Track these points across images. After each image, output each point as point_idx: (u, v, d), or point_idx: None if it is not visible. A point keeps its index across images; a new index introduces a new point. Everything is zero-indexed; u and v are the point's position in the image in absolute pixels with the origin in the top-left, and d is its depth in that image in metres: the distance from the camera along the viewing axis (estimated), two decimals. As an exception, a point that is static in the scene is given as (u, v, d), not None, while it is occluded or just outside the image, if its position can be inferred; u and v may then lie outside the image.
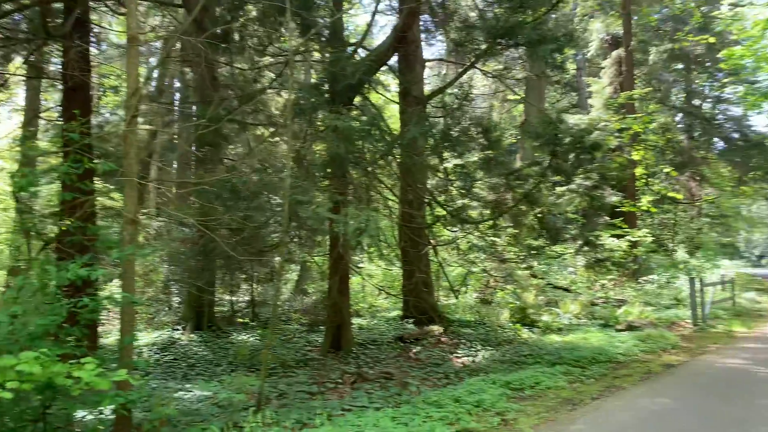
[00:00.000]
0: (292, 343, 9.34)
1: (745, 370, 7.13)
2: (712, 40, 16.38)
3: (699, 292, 11.03)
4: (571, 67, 22.70)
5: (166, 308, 11.84)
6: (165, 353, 8.80)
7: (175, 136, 11.79)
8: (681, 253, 22.11)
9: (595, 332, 9.42)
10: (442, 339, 9.24)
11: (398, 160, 8.81)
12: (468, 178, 9.44)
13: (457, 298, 12.20)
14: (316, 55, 10.23)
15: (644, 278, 15.37)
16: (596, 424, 4.98)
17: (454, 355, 8.37)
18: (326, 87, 7.85)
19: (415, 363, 7.83)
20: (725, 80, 22.10)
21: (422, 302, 10.21)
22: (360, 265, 13.26)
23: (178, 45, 8.97)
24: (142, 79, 5.33)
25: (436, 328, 9.57)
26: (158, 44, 13.27)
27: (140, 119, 7.96)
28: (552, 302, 12.69)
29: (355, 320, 10.73)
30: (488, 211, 10.16)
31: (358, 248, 9.56)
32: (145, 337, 9.58)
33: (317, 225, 6.75)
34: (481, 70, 12.47)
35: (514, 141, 20.39)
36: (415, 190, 9.37)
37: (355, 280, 12.16)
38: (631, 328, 9.72)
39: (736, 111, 26.80)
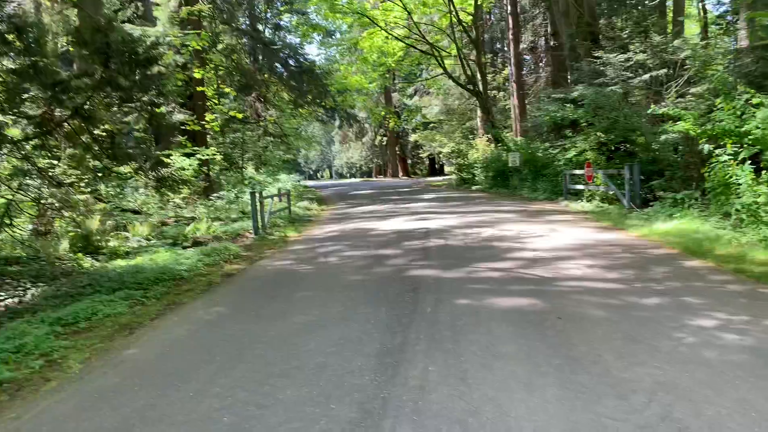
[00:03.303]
0: None
1: (292, 269, 8.22)
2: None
3: (260, 205, 12.14)
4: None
5: None
6: None
7: None
8: (250, 170, 23.92)
9: (163, 252, 9.37)
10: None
11: None
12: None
13: (-1, 233, 10.34)
14: None
15: (215, 195, 16.05)
16: (151, 344, 4.96)
17: (-6, 298, 7.11)
18: None
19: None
20: (282, 8, 24.19)
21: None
22: None
23: None
24: None
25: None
26: None
27: None
28: (120, 226, 12.09)
29: None
30: (34, 129, 8.74)
31: None
32: None
33: None
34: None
35: (71, 50, 17.98)
36: None
37: None
38: (197, 243, 10.03)
39: (293, 39, 29.76)
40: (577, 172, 15.73)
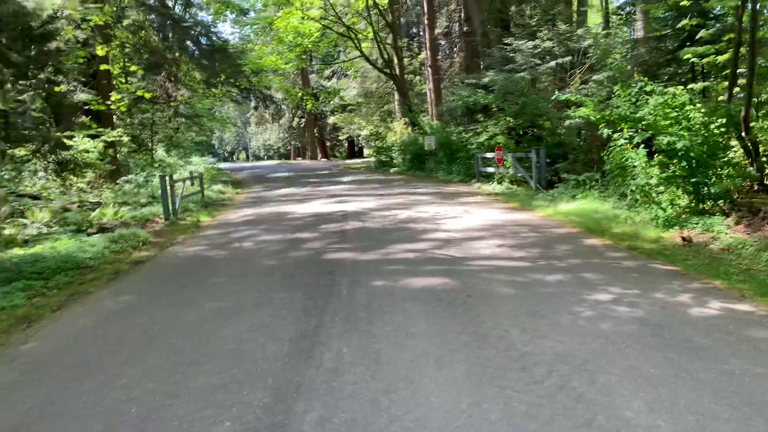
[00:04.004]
0: None
1: (205, 255, 8.01)
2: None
3: (171, 188, 11.70)
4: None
5: None
6: None
7: None
8: (160, 152, 22.94)
9: (66, 240, 8.85)
10: None
11: None
12: None
13: None
14: None
15: (123, 179, 15.28)
16: (52, 337, 4.70)
17: None
18: None
19: None
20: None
21: None
22: None
23: None
24: None
25: None
26: None
27: None
28: (17, 212, 11.28)
29: None
30: None
31: None
32: None
33: None
34: None
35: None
36: None
37: None
38: (103, 230, 9.55)
39: (205, 16, 28.64)
40: (489, 155, 16.26)
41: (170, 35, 23.71)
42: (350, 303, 5.13)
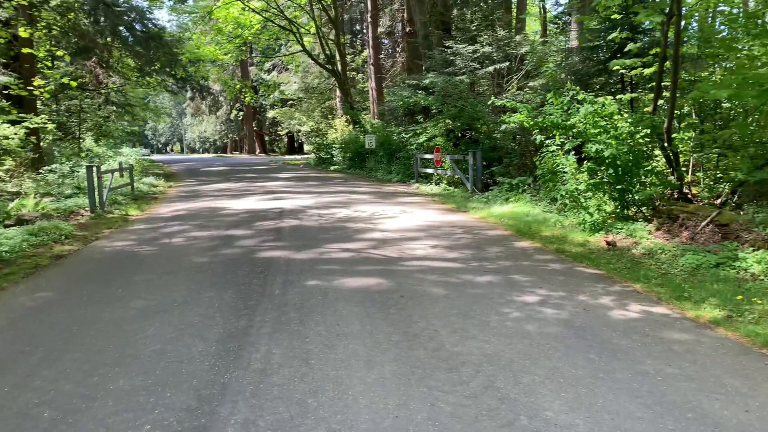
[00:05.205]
0: None
1: (132, 251, 7.71)
2: None
3: (98, 180, 11.19)
4: None
5: None
6: None
7: None
8: (88, 142, 21.93)
9: (-21, 231, 8.31)
10: None
11: None
12: None
13: None
14: None
15: (46, 168, 14.50)
16: (-41, 337, 4.41)
17: None
18: None
19: None
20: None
21: None
22: None
23: None
24: None
25: None
26: None
27: None
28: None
29: None
30: None
31: None
32: None
33: None
34: None
35: None
36: None
37: None
38: (22, 222, 9.03)
39: (141, 2, 27.56)
40: (428, 156, 16.46)
41: (102, 19, 22.67)
42: (282, 303, 5.06)
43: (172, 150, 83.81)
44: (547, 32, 20.66)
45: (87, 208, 10.99)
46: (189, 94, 41.87)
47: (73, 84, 15.41)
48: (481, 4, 20.98)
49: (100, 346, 4.08)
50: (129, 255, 7.45)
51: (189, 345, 4.07)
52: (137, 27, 23.95)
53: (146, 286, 5.77)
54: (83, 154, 18.49)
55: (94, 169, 11.13)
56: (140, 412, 3.10)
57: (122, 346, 4.07)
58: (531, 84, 15.13)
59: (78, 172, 14.79)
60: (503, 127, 14.06)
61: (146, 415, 3.07)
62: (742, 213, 7.64)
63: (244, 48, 31.67)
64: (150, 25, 24.29)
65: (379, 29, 28.53)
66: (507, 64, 16.76)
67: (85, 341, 4.20)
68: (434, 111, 17.30)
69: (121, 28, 23.80)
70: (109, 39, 22.51)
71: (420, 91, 17.75)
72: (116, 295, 5.42)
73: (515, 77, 16.82)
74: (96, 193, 11.08)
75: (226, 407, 3.14)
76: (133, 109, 28.28)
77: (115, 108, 25.37)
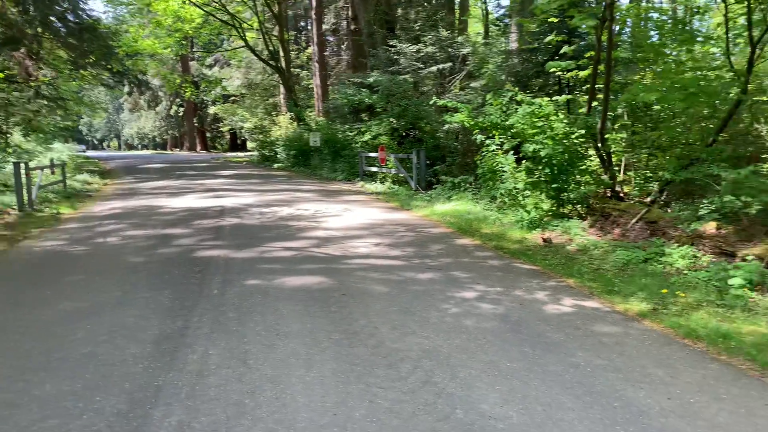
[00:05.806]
0: None
1: (63, 251, 7.39)
2: None
3: (27, 177, 10.68)
4: None
5: None
6: None
7: None
8: (17, 137, 20.88)
9: None
10: None
11: None
12: None
13: None
14: None
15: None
16: None
17: None
18: None
19: None
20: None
21: None
22: None
23: None
24: None
25: None
26: None
27: None
28: None
29: None
30: None
31: None
32: None
33: None
34: None
35: None
36: None
37: None
38: (-59, 221, 8.51)
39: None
40: (372, 154, 16.50)
41: (31, 8, 21.60)
42: (221, 303, 4.98)
43: (109, 146, 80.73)
44: (489, 34, 21.06)
45: (15, 207, 10.46)
46: (126, 89, 40.42)
47: (1, 76, 14.64)
48: (425, 4, 21.18)
49: (26, 350, 3.91)
50: (60, 255, 7.14)
51: (122, 347, 3.94)
52: (70, 17, 22.98)
53: (77, 287, 5.56)
54: (10, 150, 17.57)
55: (22, 165, 10.61)
56: (67, 418, 2.98)
57: (49, 350, 3.91)
58: (473, 84, 15.41)
59: (4, 168, 14.04)
60: (446, 126, 14.26)
61: (74, 420, 2.96)
62: (669, 210, 8.05)
63: (184, 42, 30.85)
64: (84, 16, 23.36)
65: (324, 26, 28.36)
66: (450, 64, 17.00)
67: (9, 345, 4.00)
68: (379, 110, 17.36)
69: (52, 18, 22.77)
70: (39, 29, 21.47)
71: (365, 90, 17.77)
72: (44, 297, 5.19)
73: (458, 77, 17.09)
74: (24, 190, 10.56)
75: (159, 410, 3.07)
76: (66, 103, 27.05)
77: (46, 102, 24.20)
